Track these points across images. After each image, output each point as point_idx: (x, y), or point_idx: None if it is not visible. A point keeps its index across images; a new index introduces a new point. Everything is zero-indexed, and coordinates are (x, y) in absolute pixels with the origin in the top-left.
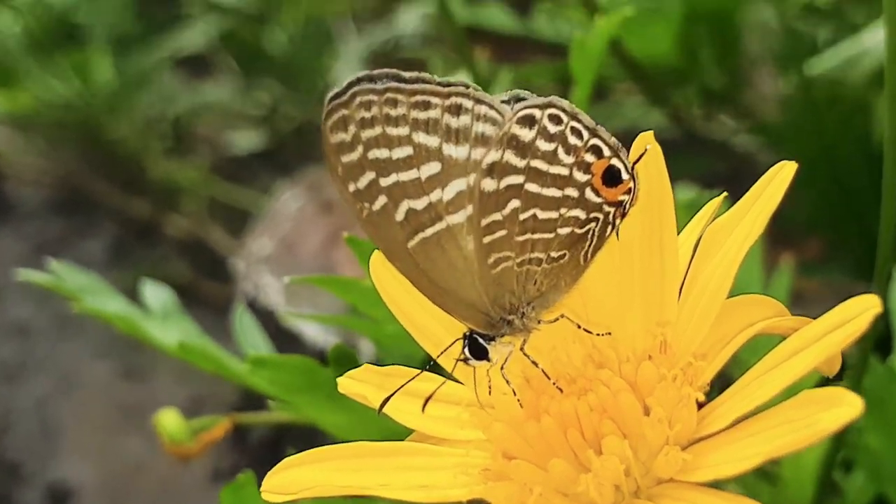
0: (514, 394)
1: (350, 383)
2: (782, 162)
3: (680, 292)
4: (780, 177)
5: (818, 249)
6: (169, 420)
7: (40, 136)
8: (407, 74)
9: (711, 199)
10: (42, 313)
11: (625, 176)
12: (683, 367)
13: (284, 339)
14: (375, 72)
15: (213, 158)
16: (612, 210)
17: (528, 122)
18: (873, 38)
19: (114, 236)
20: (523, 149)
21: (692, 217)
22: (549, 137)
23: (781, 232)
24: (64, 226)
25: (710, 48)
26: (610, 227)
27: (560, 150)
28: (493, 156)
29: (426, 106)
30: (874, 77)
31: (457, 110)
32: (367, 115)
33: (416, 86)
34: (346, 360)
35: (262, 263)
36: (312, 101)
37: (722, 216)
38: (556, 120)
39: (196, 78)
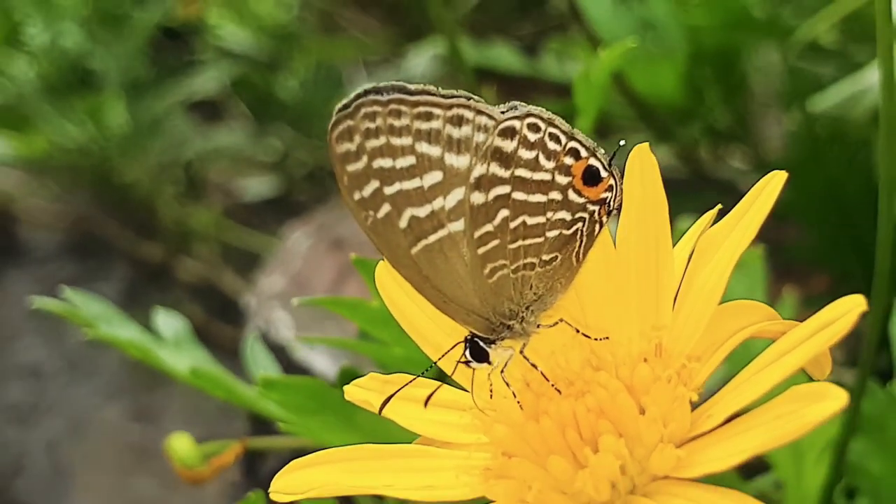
0: (514, 396)
1: (356, 391)
2: (773, 172)
3: (676, 298)
4: (770, 187)
5: (824, 284)
6: (181, 444)
7: (54, 180)
8: (412, 86)
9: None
10: (54, 355)
11: (604, 174)
12: (678, 368)
13: (295, 373)
14: (381, 84)
15: (226, 203)
16: (596, 208)
17: (510, 133)
18: (875, 76)
19: (127, 279)
20: (507, 159)
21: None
22: (530, 146)
23: (788, 267)
24: (77, 269)
25: (716, 87)
26: (598, 226)
27: (541, 157)
28: (479, 170)
29: (429, 117)
30: (876, 114)
31: (458, 121)
32: (372, 125)
33: (419, 97)
34: (354, 380)
35: (274, 300)
36: (324, 146)
37: (714, 226)
38: (534, 128)
39: (208, 123)
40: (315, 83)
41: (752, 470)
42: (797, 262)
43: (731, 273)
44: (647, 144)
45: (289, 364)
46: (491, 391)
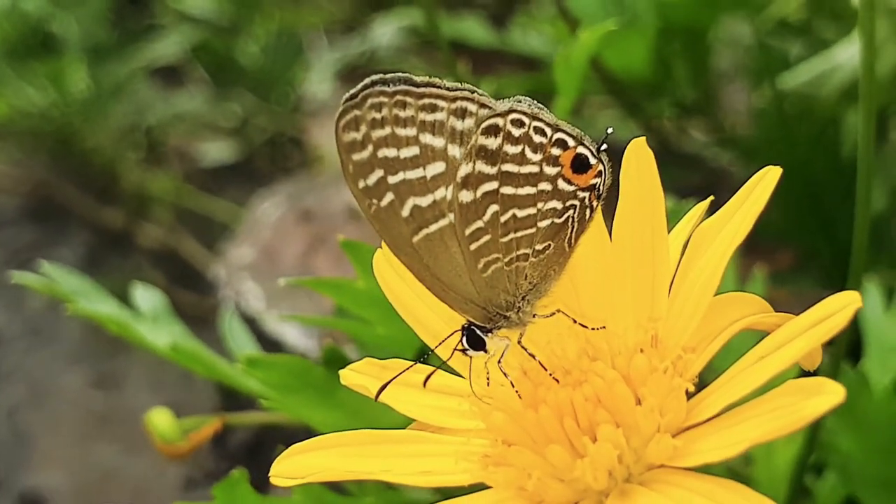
0: (513, 385)
1: (352, 375)
2: (767, 167)
3: (670, 290)
4: (765, 181)
5: (790, 260)
6: (160, 419)
7: (14, 145)
8: (418, 79)
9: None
10: (14, 321)
11: (592, 161)
12: (674, 359)
13: (267, 345)
14: (388, 76)
15: (186, 169)
16: (586, 195)
17: (493, 131)
18: (844, 53)
19: (87, 245)
20: (492, 156)
21: (672, 223)
22: (515, 141)
23: (754, 243)
24: (37, 233)
25: (684, 62)
26: (589, 211)
27: (527, 150)
28: (465, 169)
29: (433, 109)
30: (845, 92)
31: (462, 113)
32: (378, 115)
33: (425, 89)
34: (338, 359)
35: (244, 271)
36: (284, 112)
37: (709, 219)
38: (518, 123)
39: (169, 88)
40: (275, 49)
41: None
42: (763, 239)
43: (725, 266)
44: (643, 138)
45: (260, 335)
46: (488, 379)
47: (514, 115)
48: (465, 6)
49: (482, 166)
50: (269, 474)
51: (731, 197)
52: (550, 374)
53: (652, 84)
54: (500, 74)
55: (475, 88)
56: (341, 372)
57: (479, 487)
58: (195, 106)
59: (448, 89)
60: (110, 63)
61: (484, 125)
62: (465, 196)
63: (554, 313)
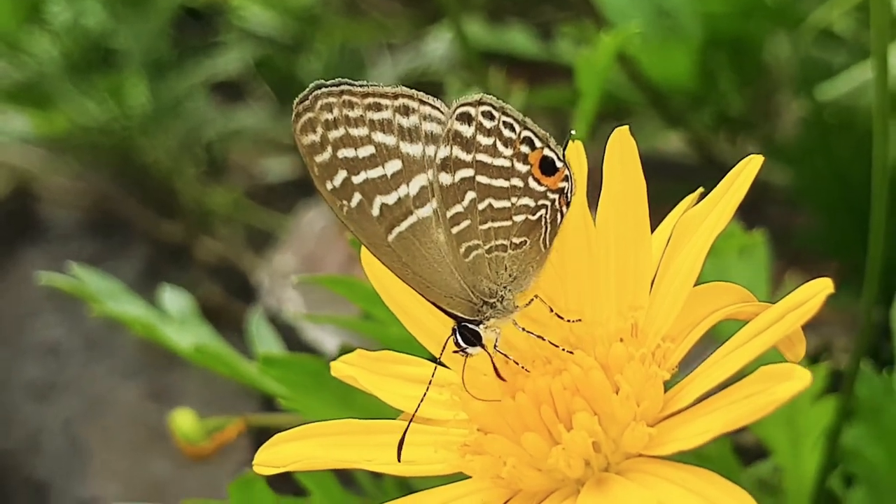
0: (496, 368)
1: (342, 367)
2: (750, 156)
3: (654, 280)
4: (746, 171)
5: (833, 273)
6: (183, 420)
7: (75, 159)
8: (357, 83)
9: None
10: (72, 334)
11: (559, 165)
12: (652, 348)
13: (305, 352)
14: (329, 81)
15: (246, 184)
16: (556, 197)
17: (466, 119)
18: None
19: (146, 259)
20: (467, 144)
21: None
22: (487, 132)
23: (797, 254)
24: (97, 248)
25: (731, 74)
26: (559, 215)
27: (498, 144)
28: (443, 151)
29: (378, 107)
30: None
31: (405, 111)
32: (330, 116)
33: (366, 89)
34: None
35: (286, 279)
36: None
37: (694, 208)
38: (489, 116)
39: (230, 104)
40: (337, 65)
41: (752, 456)
42: (806, 250)
43: (706, 255)
44: (626, 128)
45: (298, 343)
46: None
47: (484, 107)
48: (521, 18)
49: (458, 152)
50: (253, 462)
51: (775, 210)
52: (519, 364)
53: (696, 95)
54: (549, 86)
55: (413, 90)
56: (332, 364)
57: (463, 477)
58: (256, 121)
59: (388, 88)
60: (170, 78)
61: (458, 111)
62: (445, 179)
63: (531, 301)
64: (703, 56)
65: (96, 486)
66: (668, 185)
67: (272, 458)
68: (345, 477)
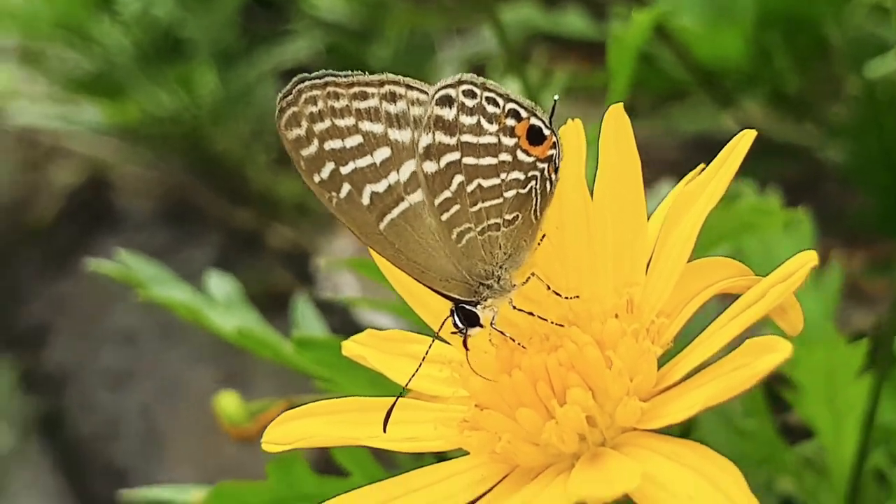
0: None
1: (353, 346)
2: (743, 131)
3: (652, 256)
4: (739, 147)
5: (889, 251)
6: (228, 402)
7: (147, 148)
8: (341, 73)
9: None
10: (147, 322)
11: (546, 132)
12: (647, 324)
13: None
14: (313, 73)
15: None
16: (545, 166)
17: (447, 101)
18: None
19: (218, 246)
20: (450, 127)
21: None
22: (469, 111)
23: (853, 233)
24: (170, 236)
25: (786, 52)
26: (549, 184)
27: (483, 121)
28: (425, 139)
29: (364, 96)
30: None
31: (392, 97)
32: (315, 109)
33: (351, 78)
34: None
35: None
36: None
37: (690, 184)
38: (470, 94)
39: None
40: (407, 51)
41: (797, 436)
42: (862, 228)
43: (698, 231)
44: (620, 105)
45: (354, 327)
46: (465, 346)
47: (465, 87)
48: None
49: (442, 137)
50: (262, 440)
51: (831, 188)
52: (515, 342)
53: (749, 75)
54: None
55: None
56: (344, 343)
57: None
58: None
59: (373, 76)
60: (240, 66)
61: (437, 95)
62: (430, 167)
63: (528, 279)
64: (757, 35)
65: (171, 470)
66: None
67: (280, 435)
68: (386, 459)
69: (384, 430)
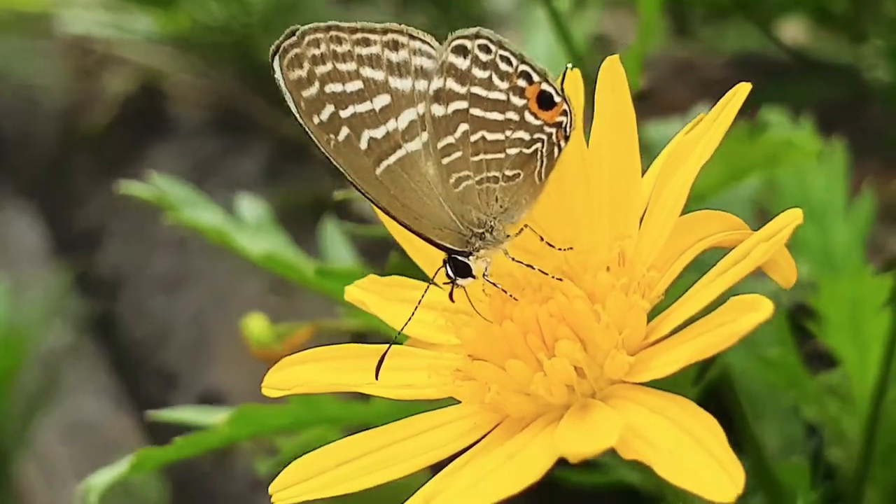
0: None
1: (355, 291)
2: (739, 84)
3: (647, 209)
4: (735, 98)
5: None
6: (255, 325)
7: (199, 57)
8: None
9: (804, 136)
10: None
11: (557, 99)
12: (637, 277)
13: None
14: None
15: None
16: (553, 131)
17: (462, 51)
18: None
19: (268, 155)
20: (462, 76)
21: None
22: (483, 65)
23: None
24: (220, 144)
25: None
26: (556, 149)
27: (494, 77)
28: (437, 83)
29: (367, 43)
30: None
31: (395, 46)
32: (317, 52)
33: (355, 24)
34: (402, 270)
35: None
36: (464, 26)
37: (686, 136)
38: (485, 49)
39: (348, 2)
40: None
41: (822, 364)
42: None
43: (691, 184)
44: (616, 57)
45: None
46: (451, 295)
47: (480, 41)
48: None
49: (452, 84)
50: (262, 386)
51: (877, 110)
52: (507, 293)
53: None
54: None
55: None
56: (346, 289)
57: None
58: (376, 18)
59: (378, 24)
60: None
61: (454, 44)
62: (438, 110)
63: (522, 230)
64: None
65: (220, 375)
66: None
67: (279, 381)
68: None
69: (376, 378)
